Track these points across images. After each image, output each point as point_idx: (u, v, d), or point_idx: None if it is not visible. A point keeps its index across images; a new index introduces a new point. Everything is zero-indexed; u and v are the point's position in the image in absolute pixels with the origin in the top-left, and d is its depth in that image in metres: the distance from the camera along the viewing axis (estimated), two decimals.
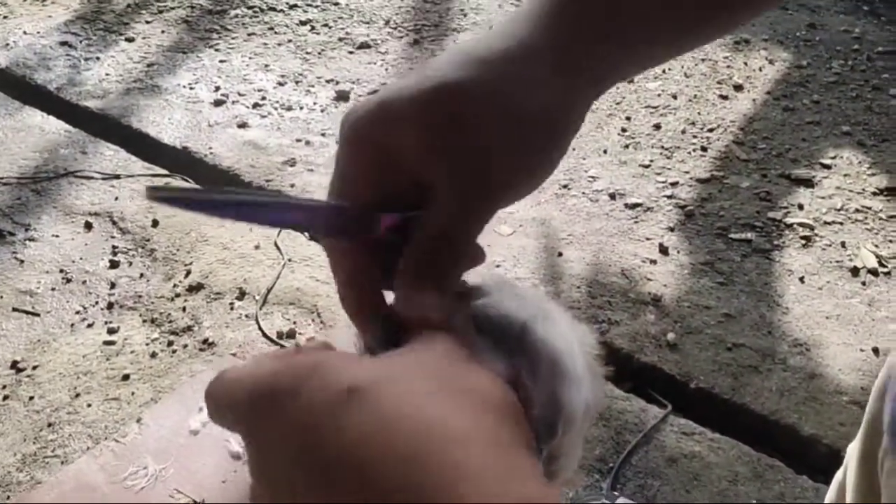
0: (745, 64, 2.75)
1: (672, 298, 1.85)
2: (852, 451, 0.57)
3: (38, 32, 2.90)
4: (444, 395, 0.30)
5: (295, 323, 1.74)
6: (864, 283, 1.91)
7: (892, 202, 2.16)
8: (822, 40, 2.86)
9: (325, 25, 3.05)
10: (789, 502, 1.40)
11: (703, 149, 2.34)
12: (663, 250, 1.98)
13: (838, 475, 0.66)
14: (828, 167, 2.26)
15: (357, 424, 0.28)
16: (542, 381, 0.50)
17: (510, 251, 1.95)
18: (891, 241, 2.04)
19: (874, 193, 2.18)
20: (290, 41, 2.95)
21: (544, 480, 0.30)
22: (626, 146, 2.35)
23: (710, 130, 2.42)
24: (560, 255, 1.95)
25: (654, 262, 1.95)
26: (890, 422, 0.49)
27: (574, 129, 0.40)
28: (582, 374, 0.51)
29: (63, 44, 2.85)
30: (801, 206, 2.13)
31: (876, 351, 1.71)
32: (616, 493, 1.39)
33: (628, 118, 2.47)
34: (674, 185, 2.20)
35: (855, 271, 1.93)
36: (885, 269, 1.94)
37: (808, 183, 2.21)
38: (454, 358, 0.33)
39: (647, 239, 2.02)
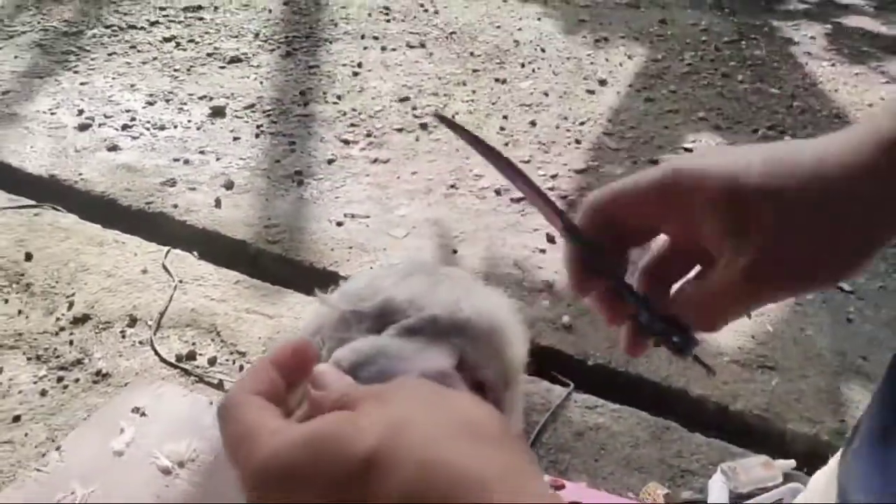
0: (607, 60, 2.91)
1: (563, 284, 1.94)
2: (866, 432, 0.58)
3: None
4: (448, 439, 0.33)
5: (194, 344, 1.69)
6: None
7: None
8: (674, 34, 3.08)
9: (192, 41, 2.97)
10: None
11: (577, 141, 2.46)
12: (551, 239, 2.07)
13: (823, 473, 0.68)
14: (689, 150, 2.43)
15: (386, 494, 0.31)
16: (484, 350, 0.54)
17: (406, 252, 1.98)
18: None
19: None
20: (155, 59, 2.85)
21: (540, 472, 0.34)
22: (507, 143, 2.43)
23: (582, 124, 2.55)
24: (455, 252, 2.00)
25: (543, 251, 2.03)
26: None
27: (869, 252, 0.41)
28: (514, 332, 0.55)
29: None
30: None
31: (748, 314, 1.86)
32: None
33: (505, 117, 2.56)
34: (554, 177, 2.30)
35: None
36: None
37: None
38: (432, 386, 0.37)
39: (535, 230, 2.10)
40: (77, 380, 1.59)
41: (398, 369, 0.47)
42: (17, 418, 1.48)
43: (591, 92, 2.72)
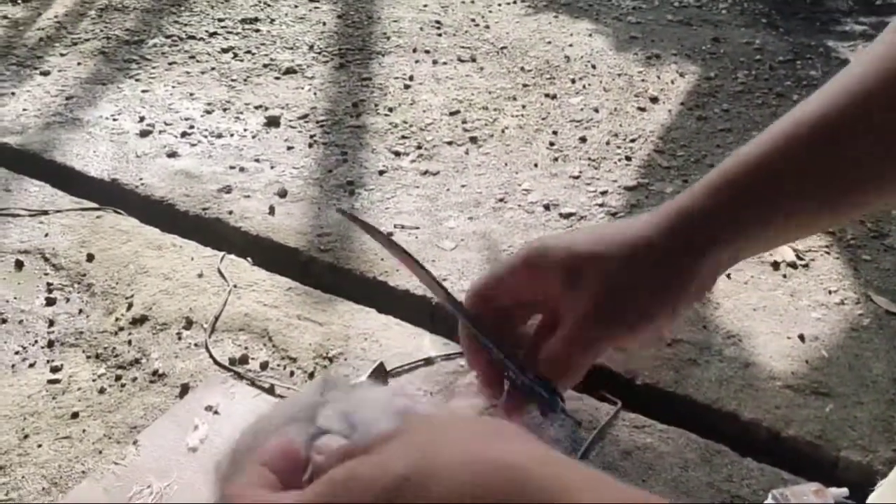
0: (659, 77, 2.90)
1: None
2: None
3: None
4: (477, 438, 0.33)
5: (246, 348, 1.73)
6: (784, 276, 2.04)
7: None
8: (727, 53, 3.06)
9: (248, 52, 3.04)
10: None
11: (628, 158, 2.45)
12: None
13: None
14: None
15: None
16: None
17: (454, 265, 1.99)
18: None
19: None
20: (213, 69, 2.93)
21: None
22: (556, 159, 2.44)
23: (633, 141, 2.54)
24: None
25: None
26: None
27: (687, 295, 0.50)
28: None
29: None
30: None
31: (801, 337, 1.83)
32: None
33: (555, 132, 2.57)
34: (603, 193, 2.29)
35: (776, 265, 2.06)
36: (803, 262, 2.08)
37: None
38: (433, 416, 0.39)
39: None
40: (134, 378, 1.64)
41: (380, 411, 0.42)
42: (75, 415, 1.52)
43: (642, 109, 2.71)
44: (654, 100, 2.77)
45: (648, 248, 0.48)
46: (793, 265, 2.07)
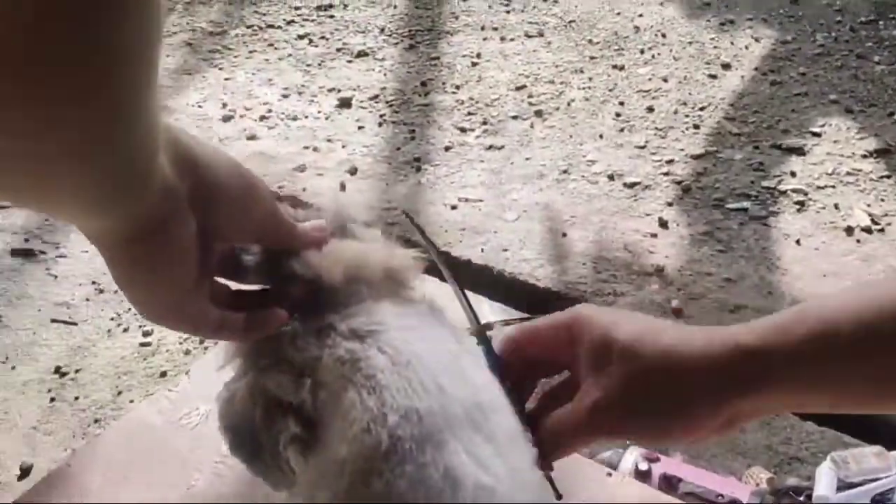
0: (732, 43, 2.84)
1: (674, 268, 1.94)
2: None
3: None
4: None
5: None
6: (858, 241, 1.98)
7: (882, 163, 2.23)
8: (805, 15, 2.95)
9: (323, 38, 3.16)
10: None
11: (696, 126, 2.42)
12: (663, 224, 2.06)
13: None
14: (818, 135, 2.34)
15: None
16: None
17: (516, 235, 2.04)
18: (882, 201, 2.11)
19: (864, 156, 2.26)
20: (290, 55, 3.05)
21: None
22: (622, 129, 2.44)
23: (702, 109, 2.51)
24: (564, 235, 2.04)
25: (654, 235, 2.03)
26: None
27: (710, 430, 0.47)
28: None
29: None
30: (793, 174, 2.21)
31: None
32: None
33: (622, 103, 2.56)
34: (669, 162, 2.28)
35: (849, 230, 2.01)
36: (879, 227, 2.02)
37: (800, 151, 2.29)
38: None
39: (647, 215, 2.10)
40: (216, 342, 1.77)
41: None
42: (163, 374, 1.67)
43: (713, 76, 2.66)
44: (727, 66, 2.71)
45: (688, 373, 0.46)
46: (867, 230, 2.01)
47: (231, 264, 0.48)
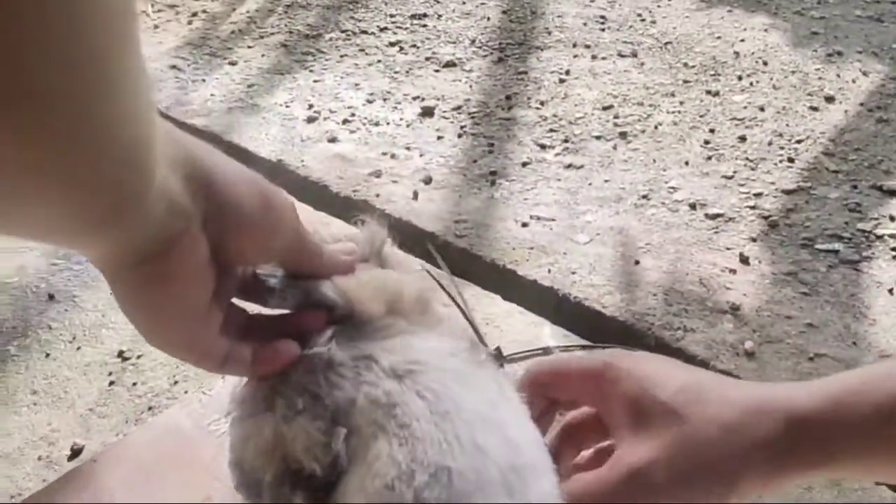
0: (838, 76, 2.68)
1: (751, 308, 1.83)
2: None
3: (150, 57, 3.15)
4: None
5: None
6: None
7: None
8: None
9: (414, 46, 3.17)
10: None
11: (790, 160, 2.29)
12: (744, 260, 1.95)
13: None
14: None
15: None
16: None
17: (586, 259, 1.97)
18: None
19: None
20: (379, 61, 3.08)
21: None
22: (709, 158, 2.33)
23: (799, 142, 2.37)
24: (637, 263, 1.96)
25: (733, 271, 1.93)
26: None
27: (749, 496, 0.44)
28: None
29: (172, 67, 3.08)
30: (892, 218, 2.05)
31: None
32: None
33: (712, 130, 2.45)
34: (757, 195, 2.17)
35: None
36: None
37: None
38: None
39: (728, 249, 1.99)
40: None
41: None
42: None
43: (814, 108, 2.52)
44: (830, 99, 2.56)
45: (741, 444, 0.42)
46: None
47: (255, 286, 0.45)
